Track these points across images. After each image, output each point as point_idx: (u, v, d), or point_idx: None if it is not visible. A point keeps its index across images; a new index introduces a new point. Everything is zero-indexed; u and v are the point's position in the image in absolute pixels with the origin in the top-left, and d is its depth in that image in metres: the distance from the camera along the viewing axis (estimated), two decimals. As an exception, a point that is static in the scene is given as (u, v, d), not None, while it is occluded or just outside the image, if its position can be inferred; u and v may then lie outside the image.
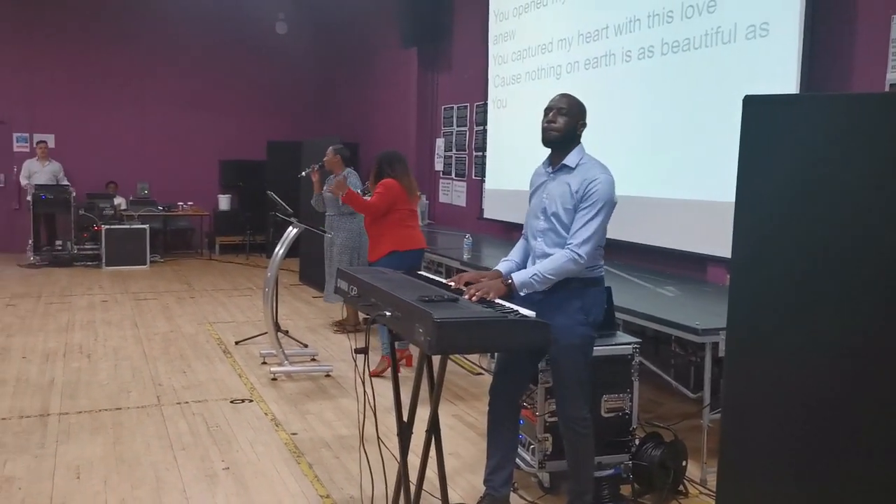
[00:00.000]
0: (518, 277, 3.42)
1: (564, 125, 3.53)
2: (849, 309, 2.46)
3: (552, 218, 3.52)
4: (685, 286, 5.75)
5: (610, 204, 3.46)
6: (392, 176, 5.93)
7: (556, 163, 3.59)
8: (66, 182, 12.59)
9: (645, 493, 4.06)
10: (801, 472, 2.60)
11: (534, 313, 2.97)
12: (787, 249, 2.60)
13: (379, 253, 5.87)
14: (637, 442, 4.15)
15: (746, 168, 2.69)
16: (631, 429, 4.14)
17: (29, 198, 12.21)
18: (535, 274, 3.41)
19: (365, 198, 6.02)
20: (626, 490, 4.05)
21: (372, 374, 5.97)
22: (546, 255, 3.51)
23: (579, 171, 3.49)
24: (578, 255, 3.39)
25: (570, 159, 3.53)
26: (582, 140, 3.60)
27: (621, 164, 6.97)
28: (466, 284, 3.39)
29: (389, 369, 6.18)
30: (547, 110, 3.57)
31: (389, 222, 5.89)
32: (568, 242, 3.43)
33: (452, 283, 3.43)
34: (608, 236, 3.62)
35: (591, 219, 3.41)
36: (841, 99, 2.78)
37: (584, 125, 3.57)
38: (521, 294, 3.42)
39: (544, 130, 3.56)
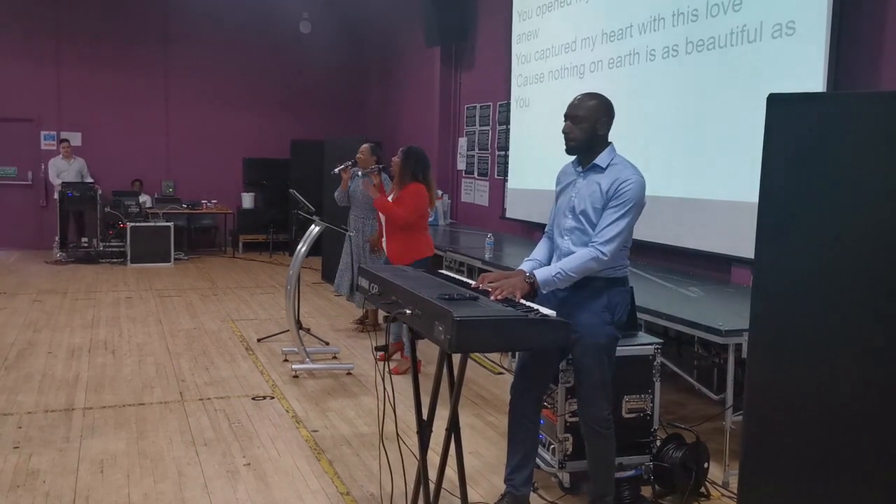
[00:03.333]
0: (541, 275, 3.40)
1: (581, 134, 3.50)
2: (874, 311, 2.43)
3: (581, 217, 3.50)
4: (708, 287, 5.71)
5: (639, 205, 3.44)
6: (423, 181, 5.93)
7: (586, 163, 3.57)
8: (90, 179, 12.73)
9: (666, 495, 4.04)
10: (823, 475, 2.57)
11: (554, 312, 2.95)
12: (811, 250, 2.57)
13: (415, 256, 5.79)
14: (658, 443, 4.12)
15: (771, 167, 2.66)
16: (652, 430, 4.12)
17: (56, 196, 12.38)
18: (559, 272, 3.38)
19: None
20: (646, 491, 4.03)
21: (393, 372, 6.00)
22: (572, 254, 3.49)
23: (611, 172, 3.47)
24: (602, 252, 3.36)
25: (601, 159, 3.51)
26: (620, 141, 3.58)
27: (644, 164, 6.89)
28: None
29: (395, 357, 6.31)
30: (565, 117, 3.56)
31: (420, 227, 5.98)
32: (593, 240, 3.40)
33: (478, 285, 3.41)
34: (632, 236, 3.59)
35: (619, 218, 3.39)
36: (868, 97, 2.75)
37: (605, 123, 3.50)
38: (544, 292, 3.41)
39: (565, 141, 3.57)
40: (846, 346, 2.49)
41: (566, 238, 3.57)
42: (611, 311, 3.50)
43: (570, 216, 3.56)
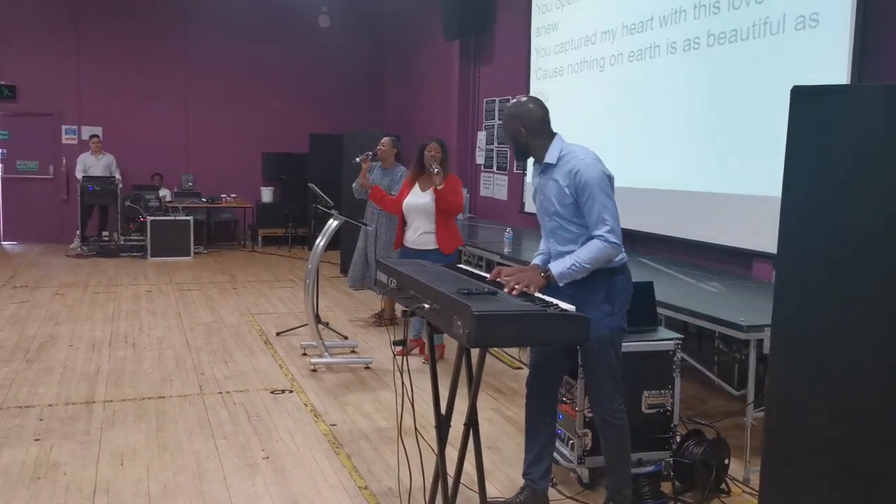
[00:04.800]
0: (556, 268, 3.40)
1: (512, 147, 3.66)
2: (900, 306, 2.39)
3: (556, 217, 3.52)
4: (730, 282, 5.66)
5: (603, 182, 3.39)
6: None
7: (539, 162, 3.59)
8: (118, 175, 12.77)
9: (686, 491, 4.00)
10: (845, 472, 2.54)
11: (573, 307, 2.93)
12: (834, 244, 2.53)
13: (459, 242, 6.17)
14: (678, 439, 4.09)
15: (794, 161, 2.62)
16: (672, 426, 4.09)
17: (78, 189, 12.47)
18: (574, 264, 3.37)
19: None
20: (666, 488, 4.00)
21: (398, 354, 5.96)
22: (561, 254, 3.48)
23: (561, 165, 3.48)
24: (611, 242, 3.36)
25: (549, 156, 3.52)
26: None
27: (666, 158, 6.91)
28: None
29: (414, 353, 6.29)
30: None
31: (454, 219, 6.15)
32: (595, 234, 3.39)
33: (493, 277, 3.40)
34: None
35: (601, 205, 3.37)
36: (893, 89, 2.70)
37: (524, 130, 3.52)
38: (560, 284, 3.39)
39: None
40: (870, 341, 2.45)
41: (551, 239, 3.60)
42: (611, 302, 3.48)
43: (546, 218, 3.60)
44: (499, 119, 10.87)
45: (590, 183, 3.36)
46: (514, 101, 3.63)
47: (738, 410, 4.70)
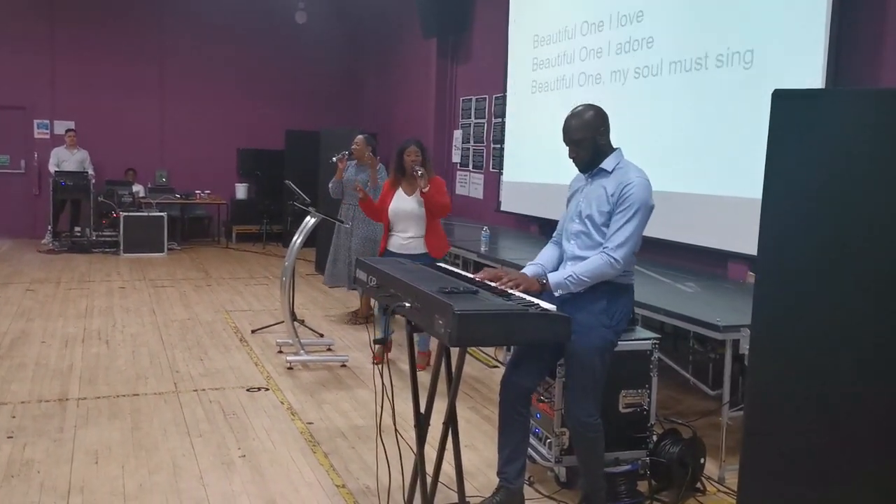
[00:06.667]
0: (553, 278, 3.42)
1: (585, 153, 3.53)
2: (876, 306, 2.43)
3: (586, 221, 3.51)
4: (705, 282, 5.71)
5: (646, 207, 3.43)
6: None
7: (592, 168, 3.58)
8: (91, 170, 12.61)
9: (662, 490, 4.03)
10: (824, 471, 2.57)
11: (554, 307, 2.94)
12: (814, 245, 2.56)
13: (443, 250, 5.95)
14: (655, 438, 4.12)
15: (774, 163, 2.65)
16: (649, 425, 4.11)
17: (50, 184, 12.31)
18: (570, 275, 3.39)
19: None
20: (643, 487, 4.02)
21: (376, 361, 5.89)
22: (577, 258, 3.50)
23: (616, 175, 3.48)
24: (614, 258, 3.36)
25: (607, 163, 3.52)
26: (614, 140, 3.59)
27: (643, 160, 6.90)
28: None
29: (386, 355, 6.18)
30: (565, 142, 3.57)
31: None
32: (604, 246, 3.40)
33: (481, 278, 3.39)
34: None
35: (627, 222, 3.38)
36: (870, 94, 2.74)
37: (603, 131, 3.51)
38: (556, 294, 3.40)
39: (574, 163, 3.61)
40: (849, 342, 2.49)
41: (572, 242, 3.59)
42: (610, 314, 3.48)
43: (576, 220, 3.58)
44: (486, 117, 10.87)
45: (635, 201, 3.38)
46: (577, 110, 3.55)
47: (713, 410, 4.75)
